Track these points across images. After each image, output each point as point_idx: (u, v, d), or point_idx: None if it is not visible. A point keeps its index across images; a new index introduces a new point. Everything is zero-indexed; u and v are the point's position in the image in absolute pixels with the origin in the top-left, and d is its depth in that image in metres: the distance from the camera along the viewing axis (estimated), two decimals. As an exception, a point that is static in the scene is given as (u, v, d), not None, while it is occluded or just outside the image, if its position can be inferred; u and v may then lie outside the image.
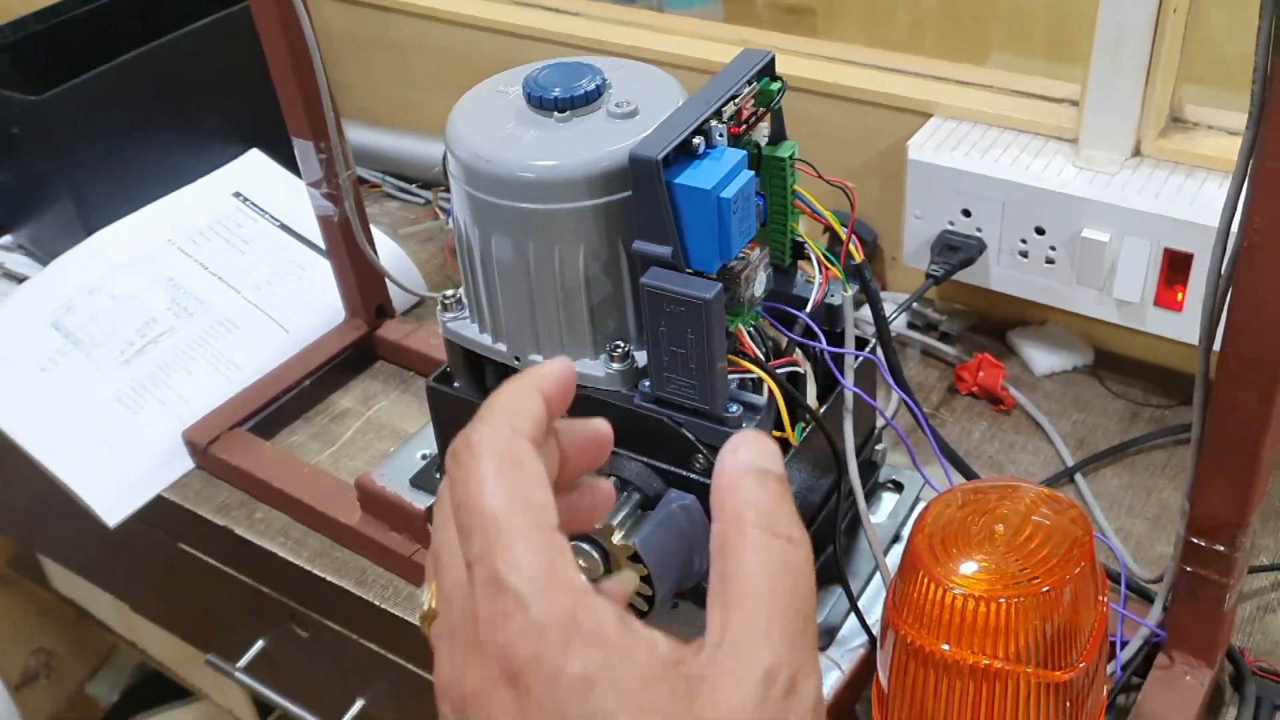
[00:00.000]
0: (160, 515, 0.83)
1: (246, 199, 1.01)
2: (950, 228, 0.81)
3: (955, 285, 0.86)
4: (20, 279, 1.03)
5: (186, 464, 0.83)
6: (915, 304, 0.89)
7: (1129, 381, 0.83)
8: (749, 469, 0.33)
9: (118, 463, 0.83)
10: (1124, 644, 0.61)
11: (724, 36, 0.93)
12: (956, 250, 0.81)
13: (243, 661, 0.85)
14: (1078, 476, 0.75)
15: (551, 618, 0.29)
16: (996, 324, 0.88)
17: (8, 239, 1.09)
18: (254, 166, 1.04)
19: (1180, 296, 0.75)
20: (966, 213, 0.80)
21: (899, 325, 0.88)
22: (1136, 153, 0.76)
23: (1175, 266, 0.74)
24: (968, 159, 0.78)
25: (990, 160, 0.78)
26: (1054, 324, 0.86)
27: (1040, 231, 0.77)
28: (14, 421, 0.84)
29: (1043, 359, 0.84)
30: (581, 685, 0.28)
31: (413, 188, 1.12)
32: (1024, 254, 0.79)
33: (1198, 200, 0.72)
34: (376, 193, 1.13)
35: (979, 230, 0.80)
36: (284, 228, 0.99)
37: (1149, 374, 0.83)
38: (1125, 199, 0.74)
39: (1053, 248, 0.77)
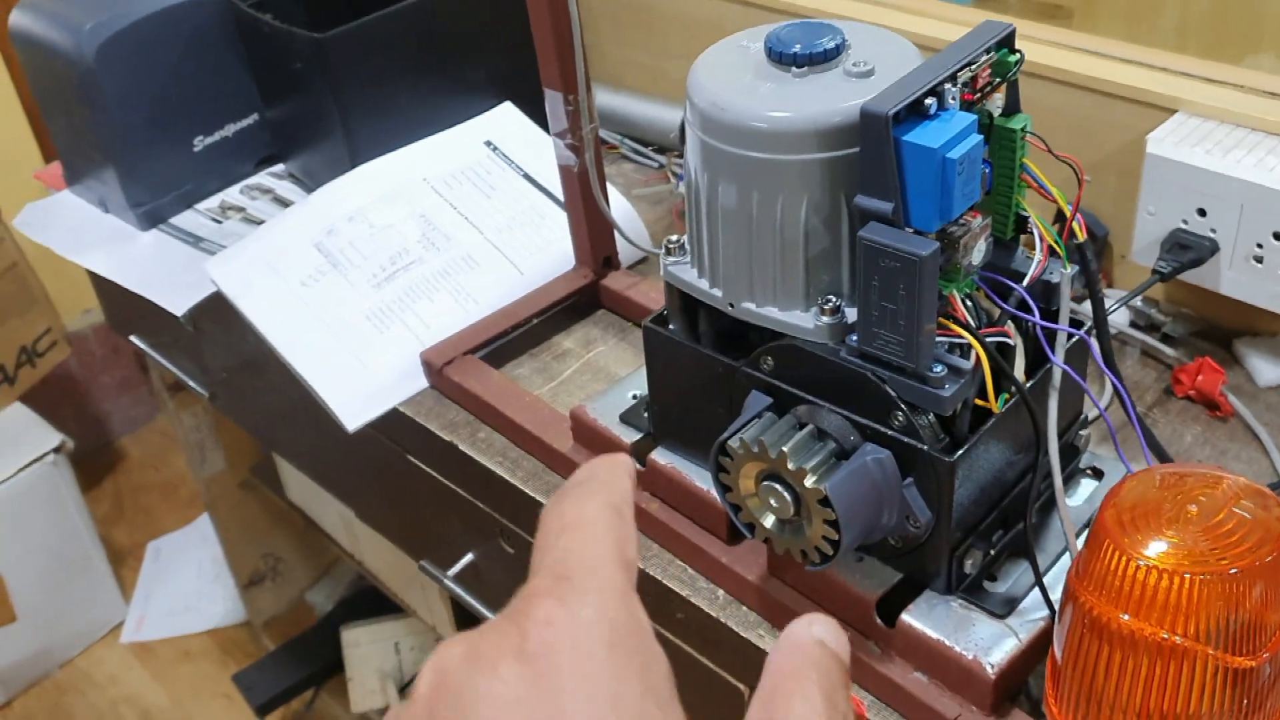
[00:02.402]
0: (393, 428, 0.90)
1: (496, 148, 1.08)
2: (1183, 226, 0.80)
3: (1183, 288, 0.85)
4: (287, 205, 1.13)
5: (421, 382, 0.90)
6: (1141, 304, 0.88)
7: (1363, 402, 0.79)
8: (820, 638, 0.32)
9: (361, 374, 0.90)
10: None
11: (972, 20, 0.93)
12: (1187, 249, 0.79)
13: (453, 570, 0.92)
14: (1293, 490, 0.73)
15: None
16: (1223, 331, 0.85)
17: (280, 168, 1.19)
18: (506, 119, 1.11)
19: None
20: (1202, 212, 0.78)
21: (1121, 323, 0.87)
22: (1396, 164, 0.73)
23: None
24: (1209, 157, 0.77)
25: (1233, 160, 0.76)
26: (1287, 336, 0.83)
27: (1278, 237, 0.75)
28: (273, 327, 0.93)
29: (1269, 370, 0.81)
30: None
31: (649, 151, 1.17)
32: (1259, 259, 0.77)
33: None
34: (614, 154, 1.18)
35: (1213, 231, 0.78)
36: (527, 177, 1.05)
37: (1385, 396, 0.79)
38: (1377, 210, 0.71)
39: (1292, 254, 0.75)
